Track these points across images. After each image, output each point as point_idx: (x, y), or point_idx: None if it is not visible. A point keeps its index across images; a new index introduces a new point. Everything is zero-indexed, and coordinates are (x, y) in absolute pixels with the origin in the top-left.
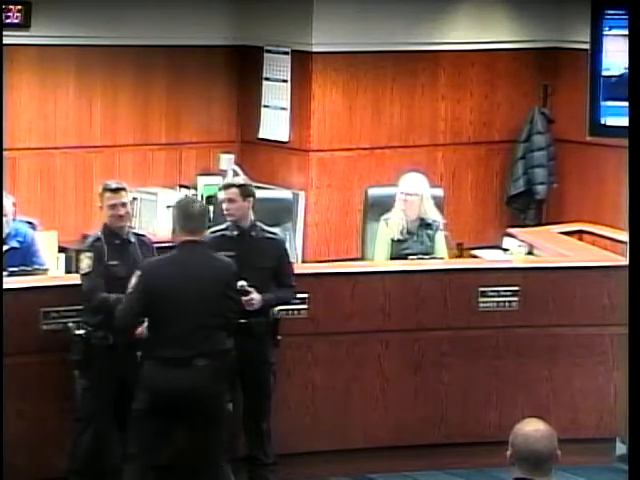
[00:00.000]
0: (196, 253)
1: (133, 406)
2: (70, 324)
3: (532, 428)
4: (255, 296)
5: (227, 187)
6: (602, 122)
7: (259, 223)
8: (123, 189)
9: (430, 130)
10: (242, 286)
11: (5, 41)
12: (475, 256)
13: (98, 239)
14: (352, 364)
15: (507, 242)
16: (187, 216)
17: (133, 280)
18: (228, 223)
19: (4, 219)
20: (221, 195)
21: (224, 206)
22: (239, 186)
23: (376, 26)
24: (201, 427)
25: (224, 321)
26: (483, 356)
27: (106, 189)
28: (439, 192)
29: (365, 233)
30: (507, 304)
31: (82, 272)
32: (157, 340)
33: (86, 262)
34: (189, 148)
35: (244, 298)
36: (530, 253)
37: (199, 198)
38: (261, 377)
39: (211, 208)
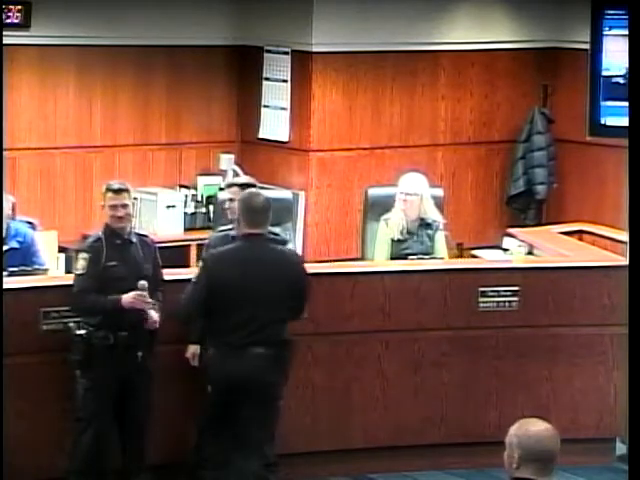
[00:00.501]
0: (258, 245)
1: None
2: (70, 324)
3: (542, 427)
4: None
5: (229, 186)
6: (602, 122)
7: None
8: (125, 190)
9: (430, 130)
10: None
11: (5, 41)
12: (475, 256)
13: (98, 239)
14: (352, 364)
15: (507, 242)
16: (250, 210)
17: (197, 271)
18: (234, 223)
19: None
20: (224, 194)
21: (226, 205)
22: (240, 185)
23: (376, 26)
24: (252, 414)
25: (285, 312)
26: (483, 356)
27: (108, 189)
28: (439, 192)
29: (365, 233)
30: (507, 304)
31: (76, 272)
32: (218, 328)
33: (81, 263)
34: (189, 148)
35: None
36: (530, 253)
37: (199, 198)
38: None
39: (211, 208)
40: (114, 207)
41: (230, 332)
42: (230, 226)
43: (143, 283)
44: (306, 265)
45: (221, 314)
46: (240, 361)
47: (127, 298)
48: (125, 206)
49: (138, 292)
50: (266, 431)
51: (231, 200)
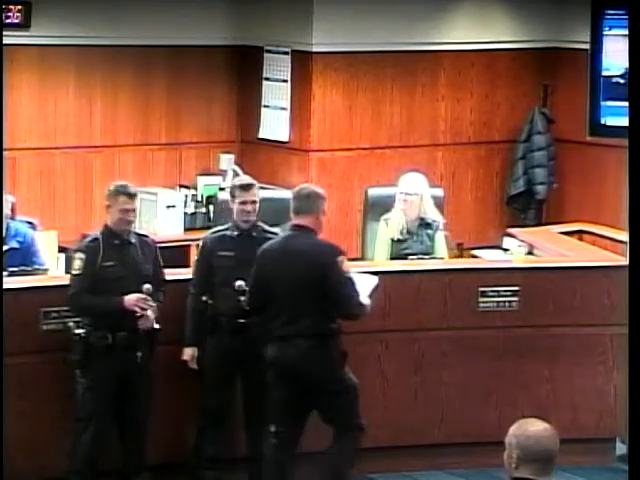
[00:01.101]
0: (299, 237)
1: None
2: (70, 324)
3: (541, 427)
4: None
5: (248, 188)
6: (602, 122)
7: (260, 223)
8: (136, 195)
9: (430, 130)
10: (240, 286)
11: (5, 41)
12: (475, 256)
13: (95, 239)
14: (352, 364)
15: (507, 242)
16: (295, 198)
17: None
18: (229, 223)
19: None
20: (227, 194)
21: (247, 207)
22: (256, 187)
23: (376, 26)
24: (312, 403)
25: (326, 303)
26: (483, 356)
27: (122, 192)
28: (439, 192)
29: (365, 233)
30: (507, 304)
31: (71, 273)
32: (271, 319)
33: (77, 263)
34: (189, 148)
35: (243, 298)
36: (530, 253)
37: (199, 198)
38: (261, 376)
39: (211, 208)
40: (126, 211)
41: (277, 323)
42: (226, 226)
43: (148, 287)
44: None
45: (270, 306)
46: (283, 350)
47: (130, 300)
48: (135, 210)
49: (142, 295)
50: (337, 420)
51: (253, 202)
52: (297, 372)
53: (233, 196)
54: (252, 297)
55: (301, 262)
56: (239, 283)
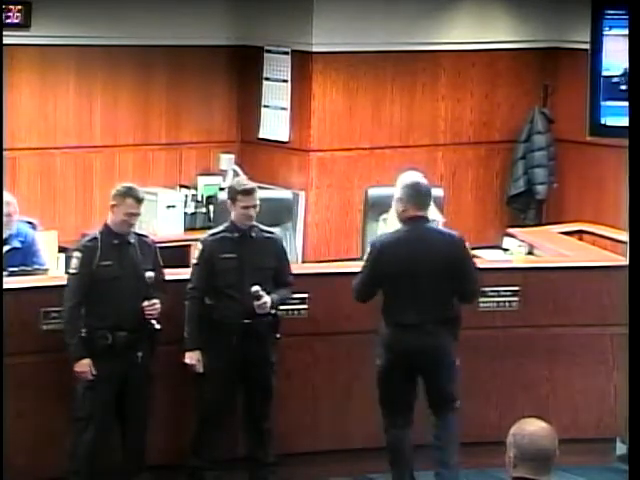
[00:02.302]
0: (423, 227)
1: (376, 363)
2: None
3: (537, 427)
4: (267, 299)
5: (250, 192)
6: (602, 122)
7: (255, 223)
8: (143, 200)
9: (430, 130)
10: (256, 291)
11: (5, 41)
12: (475, 256)
13: (94, 239)
14: (352, 364)
15: (507, 242)
16: (415, 192)
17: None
18: (226, 224)
19: (9, 219)
20: (239, 200)
21: (249, 212)
22: (257, 190)
23: (376, 26)
24: (431, 381)
25: (450, 289)
26: (483, 356)
27: (130, 195)
28: (439, 192)
29: (365, 233)
30: (507, 304)
31: (69, 271)
32: (392, 307)
33: (73, 262)
34: (189, 148)
35: (257, 302)
36: (530, 253)
37: (199, 198)
38: (263, 377)
39: (211, 208)
40: (131, 215)
41: (402, 312)
42: (222, 227)
43: (150, 275)
44: (306, 265)
45: (392, 295)
46: (413, 337)
47: (77, 368)
48: (139, 215)
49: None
50: (449, 391)
51: (254, 207)
52: (421, 357)
53: (234, 200)
54: (365, 287)
55: (436, 251)
56: (254, 289)
